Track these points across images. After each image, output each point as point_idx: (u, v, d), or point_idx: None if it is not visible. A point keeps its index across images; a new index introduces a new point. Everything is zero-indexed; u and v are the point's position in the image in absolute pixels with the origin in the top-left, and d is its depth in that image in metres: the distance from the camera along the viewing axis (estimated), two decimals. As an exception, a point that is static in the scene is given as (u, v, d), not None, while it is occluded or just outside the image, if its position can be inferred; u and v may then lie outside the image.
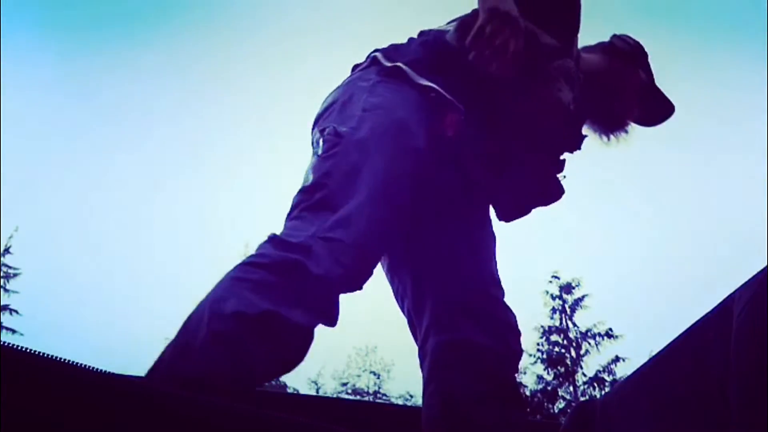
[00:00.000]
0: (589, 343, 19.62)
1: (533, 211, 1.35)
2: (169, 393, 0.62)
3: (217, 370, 0.83)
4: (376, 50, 1.29)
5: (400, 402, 19.26)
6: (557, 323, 20.10)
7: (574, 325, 19.95)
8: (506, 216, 1.34)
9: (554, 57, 1.28)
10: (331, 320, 0.97)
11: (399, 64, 1.22)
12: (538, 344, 20.01)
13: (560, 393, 19.26)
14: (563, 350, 19.79)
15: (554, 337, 19.98)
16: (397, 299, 1.32)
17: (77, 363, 0.60)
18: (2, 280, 17.91)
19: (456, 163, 1.27)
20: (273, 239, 0.98)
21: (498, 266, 1.30)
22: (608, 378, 18.79)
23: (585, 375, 19.24)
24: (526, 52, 1.17)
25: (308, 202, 1.04)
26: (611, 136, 1.47)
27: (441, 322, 1.19)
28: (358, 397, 20.06)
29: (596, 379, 18.91)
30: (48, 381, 0.55)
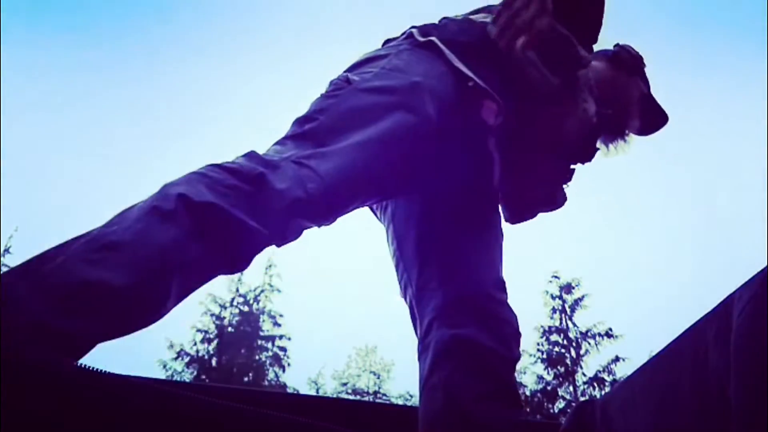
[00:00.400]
0: (589, 343, 19.62)
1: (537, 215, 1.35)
2: (169, 393, 0.62)
3: (145, 241, 0.79)
4: (413, 27, 1.27)
5: (400, 402, 19.26)
6: (557, 323, 20.10)
7: (574, 325, 19.95)
8: (513, 218, 1.34)
9: (581, 66, 1.27)
10: (280, 238, 0.94)
11: (433, 38, 1.19)
12: (538, 344, 20.02)
13: (560, 393, 19.26)
14: (563, 350, 19.78)
15: (554, 337, 19.97)
16: (401, 286, 1.30)
17: (77, 363, 0.60)
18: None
19: (477, 157, 1.25)
20: (249, 153, 0.96)
21: (503, 268, 1.29)
22: (608, 378, 18.80)
23: (585, 375, 19.25)
24: (561, 58, 1.17)
25: (294, 132, 1.04)
26: (611, 146, 1.48)
27: (446, 317, 1.18)
28: (358, 397, 20.06)
29: (596, 379, 18.91)
30: (48, 381, 0.55)
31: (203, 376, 18.27)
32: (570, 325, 19.99)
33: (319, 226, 1.01)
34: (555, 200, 1.35)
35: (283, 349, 19.99)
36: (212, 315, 19.44)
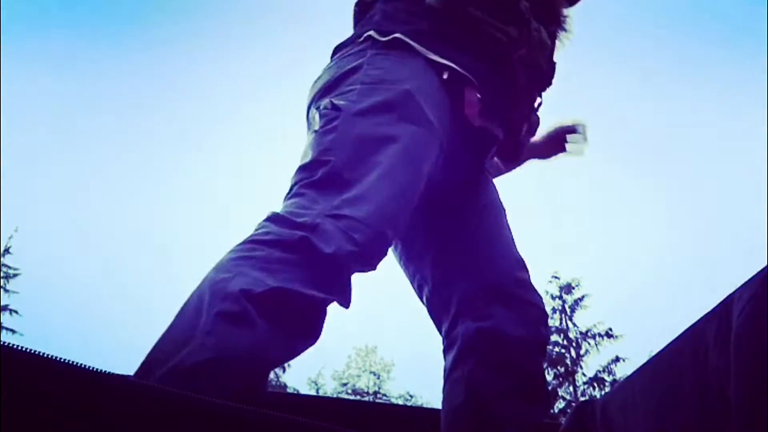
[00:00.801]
0: (589, 343, 19.64)
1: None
2: (170, 393, 0.62)
3: (227, 354, 0.75)
4: (365, 27, 1.20)
5: (400, 402, 19.27)
6: (557, 323, 20.11)
7: (574, 325, 19.97)
8: (512, 163, 1.35)
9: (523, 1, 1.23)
10: (345, 300, 0.91)
11: (397, 35, 1.13)
12: (538, 344, 20.00)
13: (560, 393, 19.26)
14: (563, 350, 19.79)
15: (554, 337, 19.98)
16: (414, 288, 1.27)
17: (77, 363, 0.60)
18: (2, 281, 17.91)
19: (470, 138, 1.21)
20: (274, 217, 0.91)
21: (516, 243, 1.26)
22: (608, 378, 18.80)
23: (585, 375, 19.27)
24: (502, 4, 1.16)
25: (310, 179, 0.97)
26: (558, 41, 1.41)
27: (471, 309, 1.16)
28: (357, 398, 20.05)
29: (596, 379, 18.92)
30: (48, 381, 0.55)
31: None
32: (570, 325, 20.00)
33: (376, 267, 0.98)
34: (536, 126, 1.35)
35: (283, 349, 19.97)
36: (212, 315, 19.41)
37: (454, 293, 1.18)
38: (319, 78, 1.17)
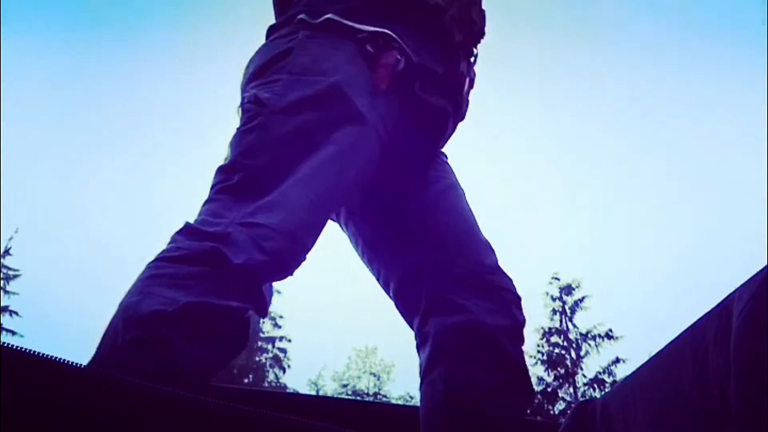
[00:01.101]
0: (589, 345, 19.63)
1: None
2: (169, 393, 0.62)
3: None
4: (295, 6, 1.15)
5: (400, 403, 19.25)
6: (557, 325, 20.11)
7: (574, 326, 19.96)
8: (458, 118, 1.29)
9: None
10: (261, 309, 0.89)
11: (329, 15, 1.07)
12: (538, 345, 20.02)
13: (560, 394, 19.26)
14: (563, 351, 19.79)
15: (554, 339, 19.98)
16: (380, 283, 1.21)
17: (77, 363, 0.60)
18: (2, 282, 17.91)
19: (417, 116, 1.15)
20: (186, 229, 0.88)
21: (478, 224, 1.20)
22: (608, 379, 18.79)
23: (585, 376, 19.25)
24: None
25: (226, 184, 0.93)
26: None
27: (442, 303, 1.10)
28: (358, 398, 20.05)
29: (596, 381, 18.91)
30: (48, 381, 0.55)
31: (203, 378, 18.24)
32: (570, 326, 20.00)
33: (292, 274, 0.95)
34: (474, 80, 1.30)
35: (283, 350, 20.02)
36: (212, 316, 19.40)
37: (423, 287, 1.13)
38: (250, 61, 1.11)
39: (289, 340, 20.17)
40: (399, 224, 1.18)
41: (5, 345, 0.55)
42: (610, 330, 19.61)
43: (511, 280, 1.16)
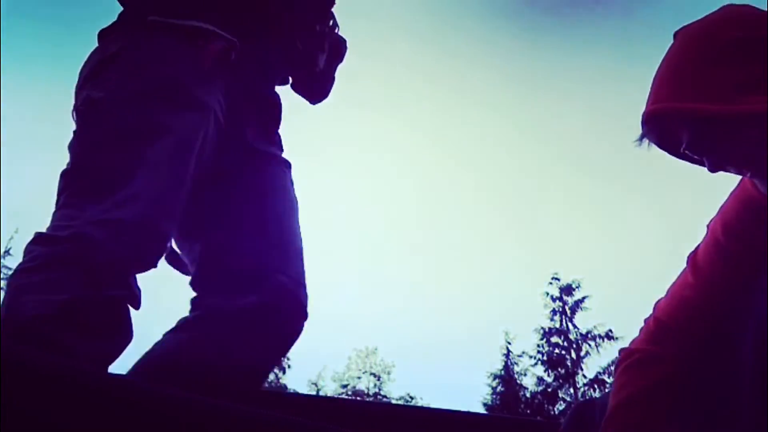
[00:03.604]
0: (590, 345, 19.62)
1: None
2: (169, 394, 0.62)
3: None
4: (124, 9, 1.17)
5: (400, 403, 19.25)
6: (557, 325, 20.10)
7: (575, 326, 19.95)
8: (319, 96, 1.33)
9: None
10: (134, 301, 0.91)
11: (152, 17, 1.09)
12: (538, 346, 20.02)
13: (560, 394, 19.25)
14: (563, 352, 19.78)
15: (554, 339, 19.97)
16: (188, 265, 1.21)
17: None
18: (2, 282, 17.93)
19: (249, 101, 1.18)
20: (39, 238, 0.90)
21: (290, 213, 1.19)
22: (609, 379, 18.77)
23: (585, 376, 19.24)
24: None
25: (73, 188, 0.94)
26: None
27: (223, 289, 1.09)
28: (358, 398, 20.05)
29: (596, 381, 18.89)
30: (48, 381, 0.56)
31: (203, 378, 18.24)
32: (570, 326, 19.99)
33: (156, 265, 0.96)
34: (340, 48, 1.32)
35: (283, 350, 19.96)
36: (212, 316, 19.42)
37: (216, 271, 1.11)
38: (83, 65, 1.11)
39: (289, 341, 20.14)
40: (212, 211, 1.15)
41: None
42: (610, 330, 19.60)
43: (305, 293, 1.14)
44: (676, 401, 1.02)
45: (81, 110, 1.01)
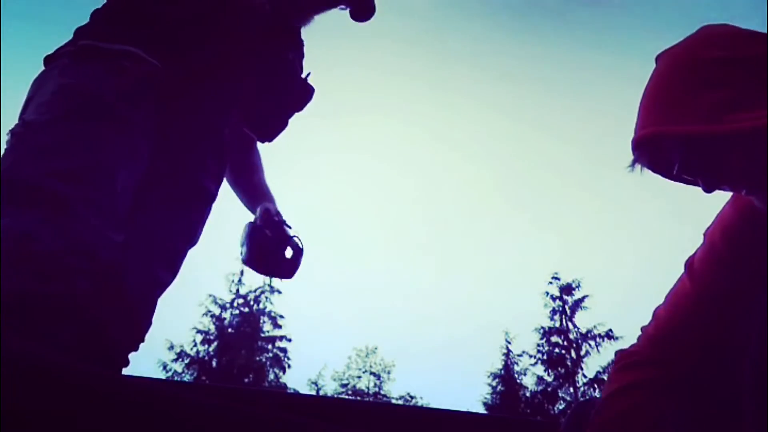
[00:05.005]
0: (590, 345, 19.63)
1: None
2: (169, 393, 0.62)
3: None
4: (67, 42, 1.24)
5: (400, 403, 19.25)
6: (557, 324, 20.11)
7: (575, 326, 19.96)
8: (265, 134, 1.36)
9: None
10: (78, 287, 0.95)
11: (83, 42, 1.16)
12: (538, 345, 20.03)
13: (560, 394, 19.26)
14: (563, 351, 19.79)
15: (554, 339, 19.98)
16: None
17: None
18: None
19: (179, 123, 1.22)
20: None
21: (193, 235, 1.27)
22: (608, 379, 18.78)
23: (585, 376, 19.25)
24: None
25: (1, 200, 0.99)
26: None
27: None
28: (358, 398, 20.05)
29: (596, 380, 18.90)
30: (47, 381, 0.55)
31: (203, 377, 18.27)
32: (570, 326, 20.00)
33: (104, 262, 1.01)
34: (297, 93, 1.35)
35: (283, 350, 20.00)
36: (212, 316, 19.45)
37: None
38: (28, 91, 1.18)
39: (289, 340, 20.16)
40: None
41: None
42: (610, 330, 19.61)
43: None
44: (669, 402, 1.03)
45: (14, 132, 1.07)
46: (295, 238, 1.38)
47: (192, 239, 1.29)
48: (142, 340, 1.20)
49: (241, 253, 1.38)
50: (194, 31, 1.22)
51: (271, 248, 1.35)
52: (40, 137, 1.03)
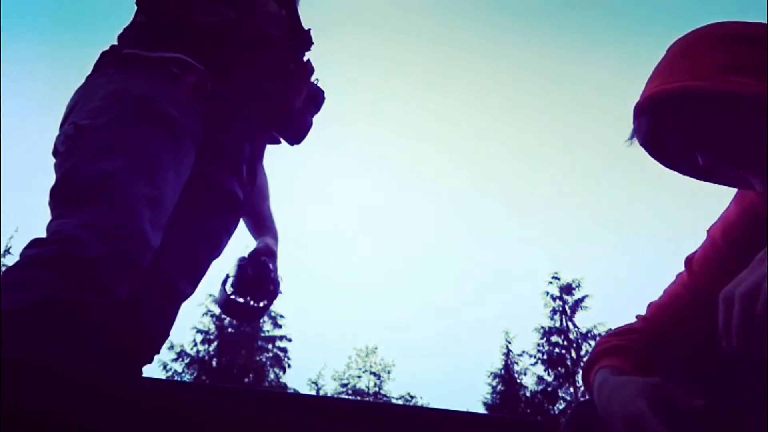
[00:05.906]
0: (590, 344, 19.60)
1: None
2: (169, 393, 0.62)
3: None
4: (113, 46, 1.28)
5: (400, 403, 19.24)
6: (557, 324, 20.10)
7: (575, 326, 19.95)
8: (297, 137, 1.40)
9: None
10: (113, 297, 0.96)
11: (129, 50, 1.20)
12: (538, 345, 20.01)
13: (560, 394, 19.25)
14: (563, 351, 19.78)
15: (554, 338, 19.97)
16: None
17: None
18: (2, 281, 17.87)
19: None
20: (32, 242, 0.97)
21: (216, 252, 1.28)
22: (608, 379, 18.76)
23: (585, 376, 19.22)
24: None
25: (61, 199, 1.03)
26: None
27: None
28: (358, 398, 20.05)
29: (596, 380, 18.87)
30: (48, 381, 0.56)
31: (203, 377, 18.26)
32: (570, 326, 19.99)
33: (144, 265, 1.02)
34: (316, 100, 1.40)
35: (284, 350, 20.00)
36: (212, 316, 19.43)
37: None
38: (71, 99, 1.22)
39: (290, 340, 20.16)
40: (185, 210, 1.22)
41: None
42: (611, 330, 19.59)
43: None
44: (656, 357, 1.07)
45: (68, 135, 1.09)
46: (273, 283, 1.41)
47: (215, 248, 1.29)
48: (158, 353, 1.20)
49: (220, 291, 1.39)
50: (229, 37, 1.25)
51: (241, 289, 1.37)
52: (94, 140, 1.06)
